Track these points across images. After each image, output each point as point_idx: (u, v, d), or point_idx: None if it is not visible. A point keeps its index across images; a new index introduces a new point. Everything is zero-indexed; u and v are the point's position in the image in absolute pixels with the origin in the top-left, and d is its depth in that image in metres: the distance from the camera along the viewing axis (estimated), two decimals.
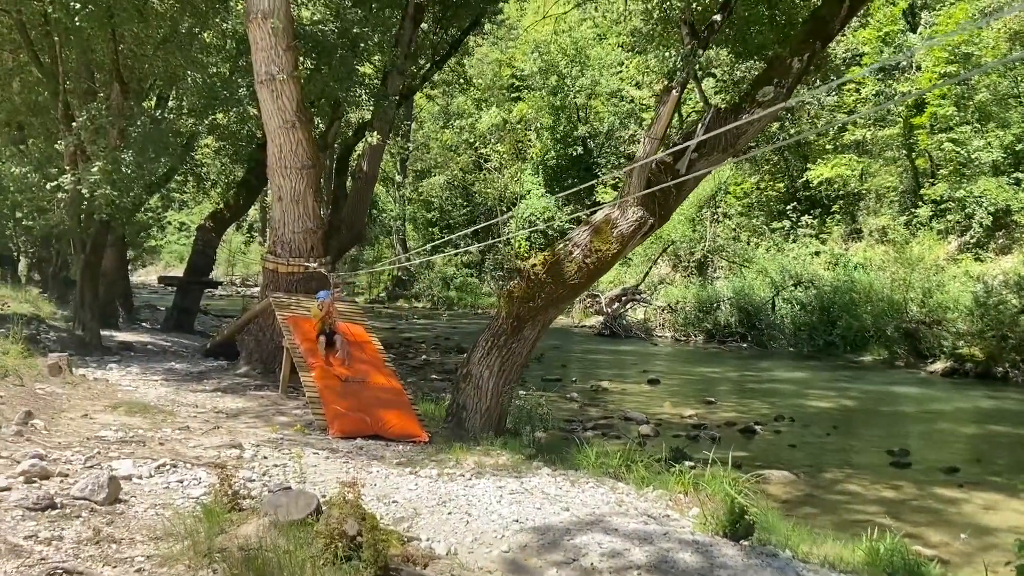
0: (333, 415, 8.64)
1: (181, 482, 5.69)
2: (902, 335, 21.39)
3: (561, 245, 9.32)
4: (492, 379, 9.23)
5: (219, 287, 33.21)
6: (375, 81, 13.87)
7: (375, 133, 11.43)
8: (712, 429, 12.47)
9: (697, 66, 9.06)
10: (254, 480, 6.07)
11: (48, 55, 12.83)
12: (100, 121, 11.10)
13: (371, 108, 13.72)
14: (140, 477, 5.66)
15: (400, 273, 42.22)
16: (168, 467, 6.02)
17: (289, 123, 11.02)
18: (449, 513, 5.63)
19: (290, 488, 4.90)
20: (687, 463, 9.99)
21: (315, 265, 11.52)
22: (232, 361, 12.81)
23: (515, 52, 40.45)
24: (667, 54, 9.39)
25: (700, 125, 9.37)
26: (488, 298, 38.53)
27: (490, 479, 6.88)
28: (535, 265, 9.18)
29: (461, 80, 19.38)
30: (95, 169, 10.68)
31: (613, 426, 12.47)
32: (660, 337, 27.63)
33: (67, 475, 5.51)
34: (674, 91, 9.09)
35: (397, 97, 13.93)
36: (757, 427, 12.49)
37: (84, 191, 10.71)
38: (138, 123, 11.76)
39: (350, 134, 18.01)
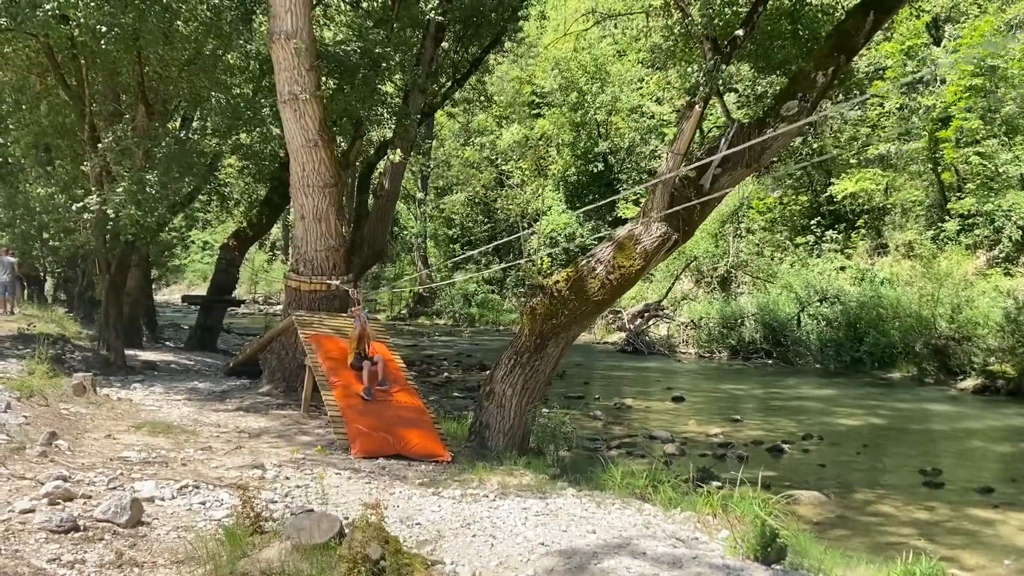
0: (355, 434, 8.58)
1: (203, 504, 5.64)
2: (931, 352, 21.03)
3: (584, 261, 9.24)
4: (515, 397, 9.14)
5: (242, 305, 33.37)
6: (396, 100, 13.88)
7: (397, 151, 11.44)
8: (738, 448, 12.28)
9: (720, 81, 8.98)
10: (276, 502, 6.01)
11: (75, 78, 12.98)
12: (126, 143, 11.20)
13: (392, 127, 13.75)
14: (163, 499, 5.62)
15: (421, 290, 42.30)
16: (190, 488, 5.98)
17: (311, 142, 11.06)
18: (473, 536, 5.53)
19: (312, 511, 4.84)
20: (714, 483, 9.84)
21: (337, 283, 11.52)
22: (254, 380, 12.83)
23: (535, 69, 40.57)
24: (689, 69, 9.32)
25: (723, 140, 9.28)
26: (510, 315, 38.45)
27: (514, 500, 6.78)
28: (558, 282, 9.10)
29: (482, 98, 19.39)
30: (120, 190, 10.77)
31: (637, 445, 12.33)
32: (683, 353, 27.39)
33: (90, 496, 5.48)
34: (697, 106, 9.01)
35: (419, 115, 13.95)
36: (785, 446, 12.28)
37: (110, 211, 10.79)
38: (163, 144, 11.83)
39: (371, 152, 18.08)
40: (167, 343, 20.44)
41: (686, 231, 9.45)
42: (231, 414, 10.19)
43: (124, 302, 17.55)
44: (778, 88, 9.92)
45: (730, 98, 11.09)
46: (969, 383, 19.44)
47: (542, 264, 38.49)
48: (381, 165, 19.84)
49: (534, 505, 6.58)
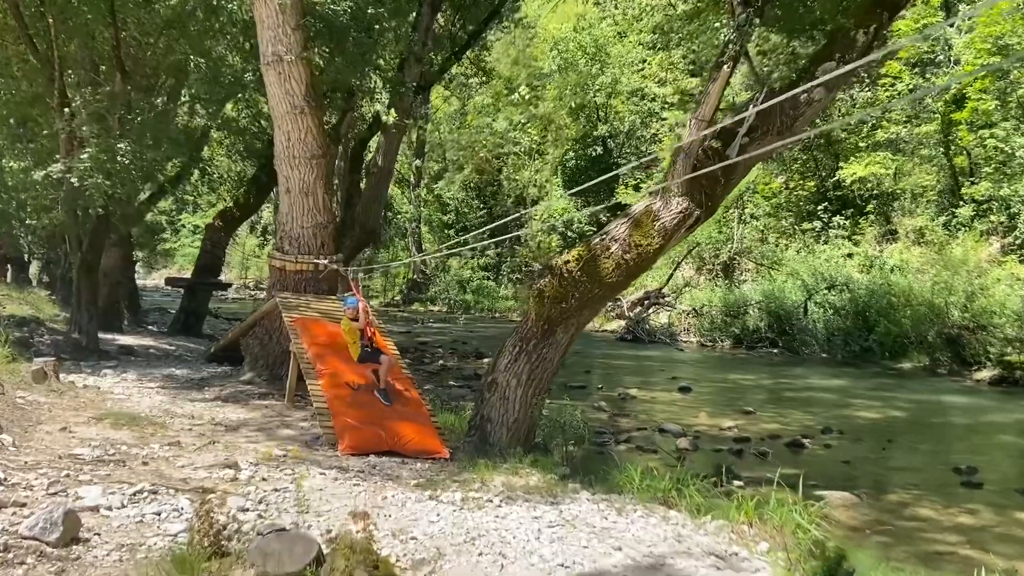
0: (343, 428, 7.73)
1: (159, 514, 4.78)
2: (944, 341, 20.25)
3: (597, 239, 8.37)
4: (520, 388, 8.29)
5: (229, 288, 32.39)
6: (391, 69, 12.93)
7: (391, 112, 10.53)
8: (755, 442, 11.46)
9: (750, 38, 8.09)
10: (248, 510, 5.16)
11: (44, 40, 12.02)
12: (95, 106, 10.26)
13: (387, 98, 12.84)
14: (109, 508, 4.75)
15: (415, 276, 41.38)
16: (146, 494, 5.12)
17: (297, 108, 10.16)
18: (480, 554, 4.69)
19: (284, 530, 3.99)
20: (736, 482, 9.03)
21: (326, 262, 10.63)
22: (236, 367, 11.94)
23: (534, 51, 39.58)
24: (717, 24, 8.42)
25: (751, 106, 8.41)
26: (506, 302, 37.61)
27: (523, 506, 5.94)
28: (568, 262, 8.23)
29: (480, 72, 18.47)
30: (85, 156, 9.83)
31: (647, 439, 11.50)
32: (685, 342, 26.57)
33: (24, 505, 4.62)
34: (725, 67, 8.12)
35: (414, 84, 13.02)
36: (805, 441, 11.46)
37: (74, 180, 9.86)
38: (137, 110, 10.90)
39: (364, 128, 17.16)
40: (150, 327, 19.52)
41: (709, 207, 8.59)
42: (208, 404, 9.32)
43: (102, 283, 16.66)
44: (811, 51, 9.03)
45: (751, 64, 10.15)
46: (985, 374, 18.66)
47: (539, 248, 37.65)
48: (374, 142, 18.95)
49: (546, 513, 5.75)
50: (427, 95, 25.89)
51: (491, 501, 6.06)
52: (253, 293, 44.99)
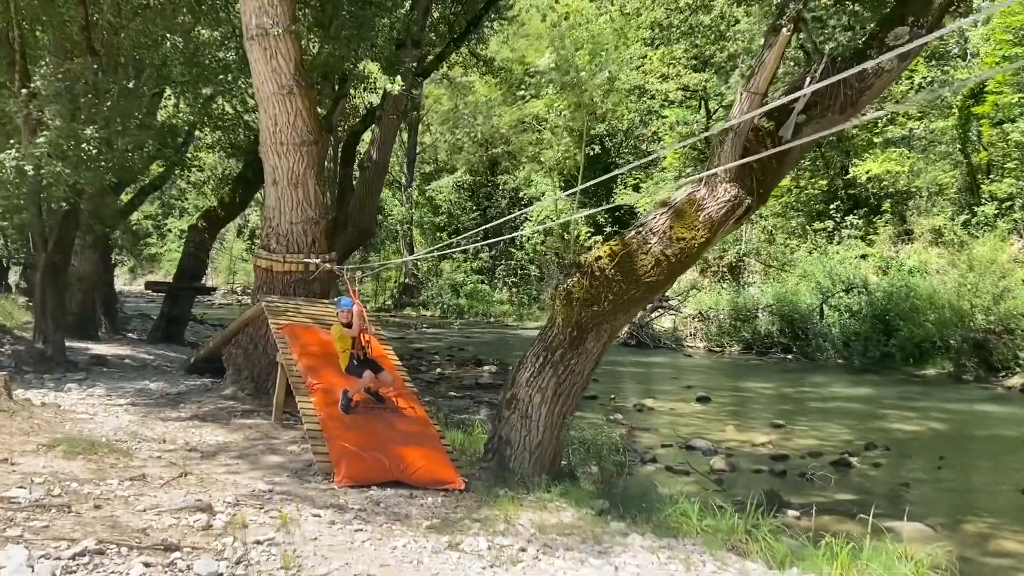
0: (339, 455, 6.55)
1: None
2: (971, 346, 19.22)
3: (632, 233, 7.23)
4: (545, 406, 7.13)
5: (213, 293, 31.05)
6: (389, 50, 11.74)
7: (397, 79, 9.34)
8: (796, 461, 10.36)
9: None
10: (222, 573, 3.99)
11: (2, 18, 10.82)
12: (54, 86, 9.06)
13: (384, 82, 11.67)
14: None
15: (407, 279, 40.16)
16: (89, 557, 3.94)
17: (285, 88, 9.00)
18: None
19: None
20: (790, 512, 7.92)
21: (317, 261, 9.46)
22: (218, 379, 10.75)
23: (529, 49, 38.48)
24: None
25: (808, 79, 7.30)
26: (501, 306, 36.45)
27: (566, 558, 4.79)
28: (600, 258, 7.09)
29: (479, 62, 17.34)
30: (42, 140, 8.63)
31: (676, 457, 10.35)
32: (691, 347, 25.50)
33: None
34: (784, 30, 7.01)
35: (413, 65, 11.86)
36: (851, 459, 10.34)
37: (29, 168, 8.65)
38: (107, 92, 9.71)
39: (356, 120, 16.01)
40: (129, 335, 18.27)
41: (760, 194, 7.47)
42: (183, 424, 8.12)
43: (76, 287, 15.45)
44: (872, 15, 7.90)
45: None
46: (1017, 380, 17.66)
47: (535, 251, 36.52)
48: (367, 136, 17.83)
49: (596, 569, 4.59)
50: (420, 96, 24.78)
51: (525, 551, 4.91)
52: (240, 298, 43.70)
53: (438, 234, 41.87)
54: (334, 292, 9.67)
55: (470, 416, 12.29)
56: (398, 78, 9.45)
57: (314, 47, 11.80)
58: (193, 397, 9.63)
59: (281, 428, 8.20)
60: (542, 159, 37.57)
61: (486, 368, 18.99)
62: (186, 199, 51.18)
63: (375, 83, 11.33)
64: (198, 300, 22.82)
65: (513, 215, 29.84)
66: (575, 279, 7.11)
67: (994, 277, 19.74)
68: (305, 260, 9.45)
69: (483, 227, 26.77)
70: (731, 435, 12.02)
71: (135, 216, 24.17)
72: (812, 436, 12.12)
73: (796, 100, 7.36)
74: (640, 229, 7.22)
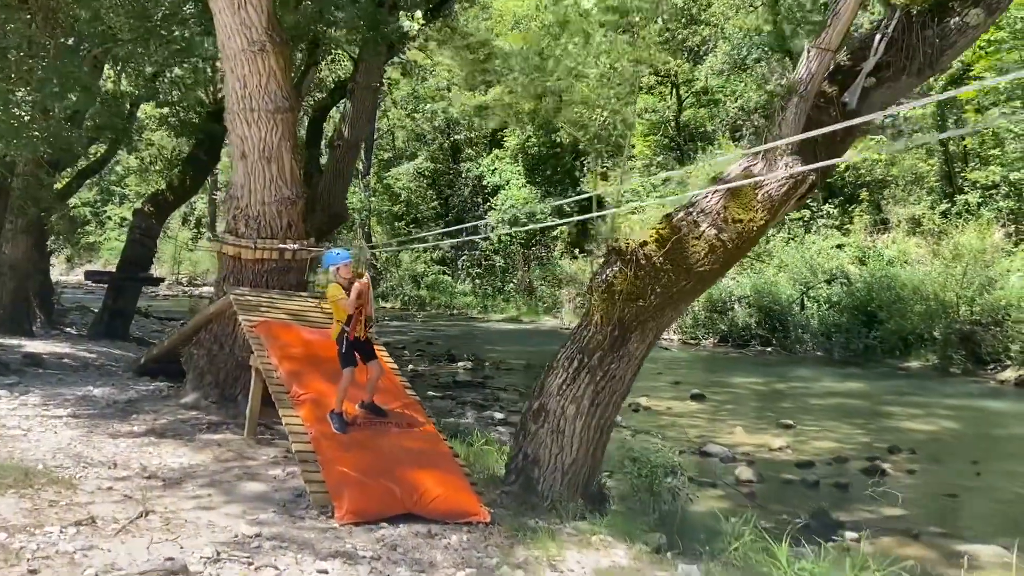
0: (339, 483, 5.34)
1: None
2: (957, 338, 18.70)
3: (682, 213, 6.15)
4: (580, 419, 6.02)
5: (160, 284, 29.10)
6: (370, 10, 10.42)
7: (416, 18, 8.05)
8: (823, 468, 9.45)
9: None
10: None
11: None
12: None
13: (359, 47, 10.38)
14: None
15: (365, 270, 38.61)
16: None
17: (257, 44, 7.69)
18: None
19: None
20: (848, 535, 6.95)
21: (295, 247, 8.19)
22: (174, 383, 9.36)
23: (493, 31, 37.16)
24: None
25: (879, 37, 6.31)
26: (464, 298, 35.20)
27: None
28: (646, 244, 5.99)
29: (454, 34, 16.08)
30: None
31: (696, 467, 9.33)
32: (665, 339, 24.61)
33: None
34: None
35: (397, 31, 10.56)
36: (884, 465, 9.45)
37: None
38: (41, 50, 8.25)
39: (323, 96, 14.65)
40: (68, 329, 16.61)
41: (824, 170, 6.45)
42: (137, 442, 6.78)
43: (8, 276, 13.89)
44: None
45: None
46: (1010, 374, 17.12)
47: (500, 241, 35.33)
48: (335, 113, 16.50)
49: None
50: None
51: None
52: (187, 290, 41.69)
53: (396, 223, 40.49)
54: (314, 285, 8.40)
55: (456, 419, 11.16)
56: (417, 14, 8.18)
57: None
58: (146, 406, 8.26)
59: (256, 444, 6.93)
60: (505, 145, 36.43)
61: (460, 364, 17.81)
62: (126, 185, 48.88)
63: (361, 37, 9.99)
64: (143, 292, 21.14)
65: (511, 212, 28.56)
66: (616, 268, 6.00)
67: (981, 267, 19.23)
68: (281, 247, 8.16)
69: (484, 221, 25.53)
70: (742, 438, 11.08)
71: (71, 201, 22.31)
72: (827, 438, 11.25)
73: (864, 61, 6.39)
74: (689, 210, 6.15)
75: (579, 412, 6.00)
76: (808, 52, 6.16)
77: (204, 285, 41.62)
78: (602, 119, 33.95)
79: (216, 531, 4.66)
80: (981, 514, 7.91)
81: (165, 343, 9.68)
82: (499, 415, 11.95)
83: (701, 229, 6.01)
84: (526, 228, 32.02)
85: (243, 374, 8.26)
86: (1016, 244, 20.06)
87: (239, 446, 6.79)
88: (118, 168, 40.80)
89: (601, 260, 6.32)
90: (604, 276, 6.04)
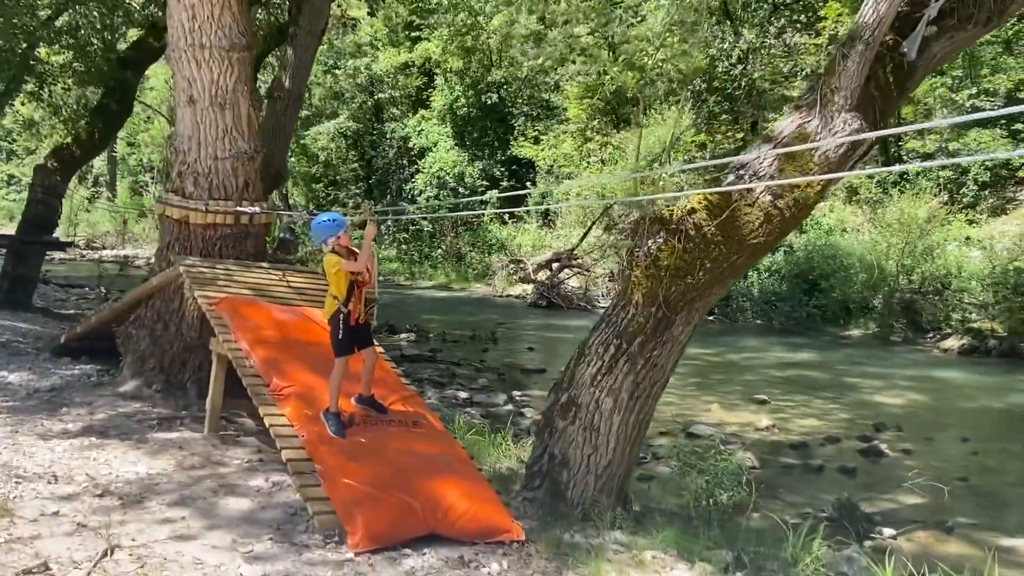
0: (348, 500, 4.39)
1: None
2: (898, 307, 18.82)
3: (732, 177, 5.37)
4: (618, 413, 5.21)
5: (68, 248, 26.62)
6: None
7: None
8: (816, 449, 8.99)
9: None
10: None
11: None
12: None
13: None
14: None
15: (283, 234, 36.73)
16: None
17: None
18: None
19: None
20: (886, 531, 6.41)
21: (254, 210, 7.05)
22: (104, 366, 8.07)
23: None
24: None
25: None
26: (389, 264, 33.87)
27: None
28: (695, 211, 5.19)
29: None
30: None
31: (684, 450, 8.68)
32: (605, 308, 24.10)
33: None
34: None
35: None
36: (881, 446, 9.04)
37: None
38: None
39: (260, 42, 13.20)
40: None
41: (881, 128, 5.78)
42: (75, 444, 5.60)
43: None
44: None
45: None
46: (953, 343, 17.24)
47: (427, 202, 34.05)
48: (273, 60, 15.08)
49: None
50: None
51: None
52: (85, 253, 38.83)
53: (315, 185, 38.74)
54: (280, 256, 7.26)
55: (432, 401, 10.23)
56: None
57: None
58: (77, 396, 7.00)
59: (223, 444, 5.86)
60: (432, 105, 35.04)
61: (403, 336, 16.78)
62: (14, 140, 45.19)
63: None
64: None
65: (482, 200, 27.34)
66: (661, 240, 5.17)
67: (918, 236, 19.36)
68: (237, 210, 6.99)
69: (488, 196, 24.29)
70: (722, 415, 10.55)
71: None
72: (806, 415, 10.85)
73: (926, 7, 5.70)
74: (741, 173, 5.36)
75: (617, 406, 5.19)
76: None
77: (104, 249, 38.90)
78: (532, 79, 33.10)
79: (208, 573, 3.66)
80: (1002, 501, 7.55)
81: (92, 319, 8.35)
82: (463, 394, 11.08)
83: (755, 195, 5.25)
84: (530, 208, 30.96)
85: (191, 357, 7.13)
86: (951, 213, 20.26)
87: (203, 448, 5.70)
88: (5, 122, 37.59)
89: (632, 231, 5.49)
90: (647, 248, 5.21)
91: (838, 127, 5.39)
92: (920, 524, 6.62)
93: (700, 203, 5.23)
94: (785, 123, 5.55)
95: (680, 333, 5.31)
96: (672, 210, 5.26)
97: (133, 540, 3.98)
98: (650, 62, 26.04)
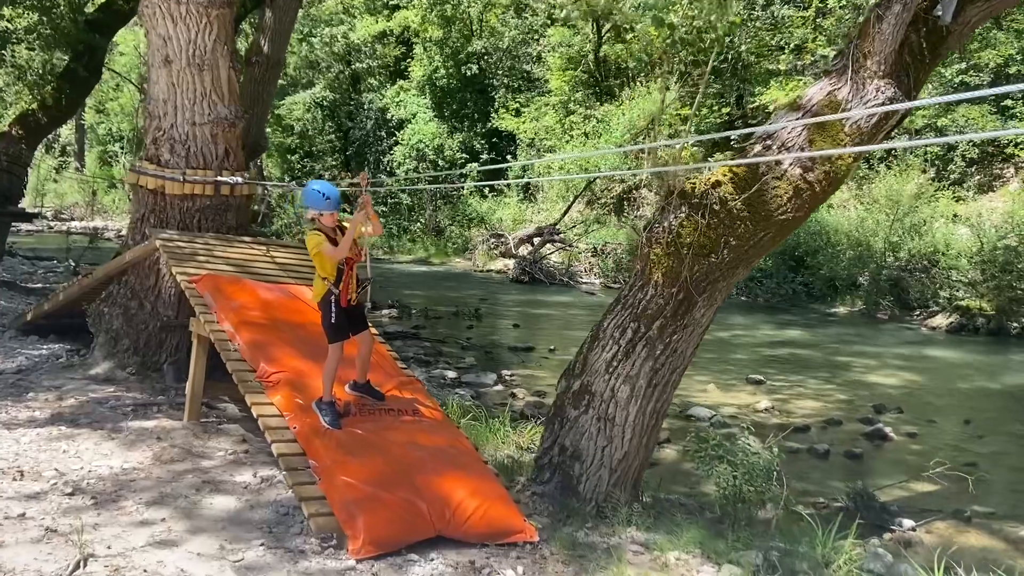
0: (347, 500, 3.99)
1: None
2: (885, 284, 18.67)
3: (759, 148, 4.98)
4: (635, 402, 4.85)
5: (35, 219, 25.66)
6: None
7: None
8: (819, 433, 8.73)
9: None
10: None
11: None
12: None
13: None
14: None
15: (259, 207, 35.97)
16: None
17: None
18: None
19: None
20: (906, 523, 6.14)
21: (235, 181, 6.56)
22: (73, 346, 7.58)
23: None
24: None
25: None
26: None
27: None
28: (719, 184, 4.80)
29: None
30: None
31: (687, 432, 8.40)
32: (587, 283, 23.81)
33: None
34: None
35: None
36: (886, 429, 8.79)
37: None
38: None
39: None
40: None
41: (913, 97, 5.41)
42: (43, 433, 5.14)
43: None
44: None
45: None
46: (941, 320, 17.14)
47: (407, 175, 33.42)
48: (247, 26, 14.44)
49: None
50: None
51: None
52: (52, 225, 37.73)
53: (290, 156, 37.86)
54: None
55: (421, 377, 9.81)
56: None
57: None
58: (45, 378, 6.51)
59: (204, 434, 5.42)
60: (410, 76, 34.29)
61: (385, 312, 16.34)
62: None
63: None
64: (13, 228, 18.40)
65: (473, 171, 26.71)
66: (683, 215, 4.79)
67: (905, 212, 19.18)
68: (218, 180, 6.50)
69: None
70: (719, 396, 10.28)
71: None
72: (804, 396, 10.59)
73: None
74: (769, 144, 4.98)
75: (634, 394, 4.82)
76: None
77: (72, 220, 37.85)
78: (513, 50, 32.43)
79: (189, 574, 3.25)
80: (1014, 488, 7.33)
81: (60, 296, 7.82)
82: (451, 373, 10.69)
83: (783, 168, 4.87)
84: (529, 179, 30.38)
85: (168, 338, 6.67)
86: (938, 191, 20.10)
87: (183, 438, 5.26)
88: None
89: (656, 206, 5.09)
90: (667, 224, 4.82)
91: (870, 95, 5.03)
92: (938, 514, 6.36)
93: (725, 175, 4.84)
94: (814, 90, 5.16)
95: (702, 316, 4.94)
96: (695, 183, 4.87)
97: (109, 548, 3.56)
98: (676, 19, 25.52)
